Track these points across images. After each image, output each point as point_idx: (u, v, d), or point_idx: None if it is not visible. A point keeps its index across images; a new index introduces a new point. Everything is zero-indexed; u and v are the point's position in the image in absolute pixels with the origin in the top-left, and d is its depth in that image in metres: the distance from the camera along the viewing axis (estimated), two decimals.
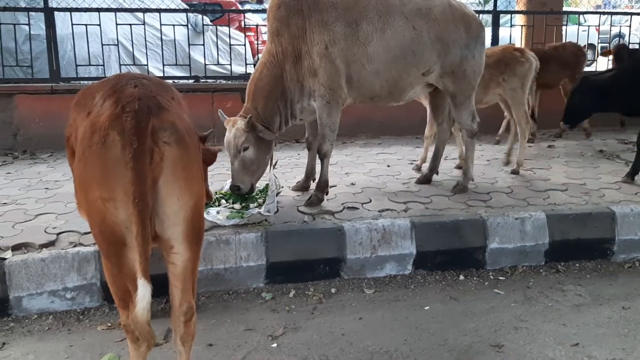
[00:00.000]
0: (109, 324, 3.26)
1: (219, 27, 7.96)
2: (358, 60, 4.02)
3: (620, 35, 10.79)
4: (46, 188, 4.70)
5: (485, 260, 3.94)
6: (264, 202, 4.05)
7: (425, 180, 4.80)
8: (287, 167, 5.39)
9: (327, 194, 4.31)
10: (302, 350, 2.98)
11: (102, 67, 6.49)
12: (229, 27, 7.48)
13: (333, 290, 3.65)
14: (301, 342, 3.05)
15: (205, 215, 3.84)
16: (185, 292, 2.36)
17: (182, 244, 2.30)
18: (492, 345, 3.00)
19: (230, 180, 4.20)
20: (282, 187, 4.47)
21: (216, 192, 4.20)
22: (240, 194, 4.03)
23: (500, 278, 3.84)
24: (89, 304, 3.44)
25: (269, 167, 4.05)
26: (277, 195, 4.19)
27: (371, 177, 5.02)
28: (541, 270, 3.93)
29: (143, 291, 2.10)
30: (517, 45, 8.56)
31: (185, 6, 8.61)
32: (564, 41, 7.65)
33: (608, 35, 12.56)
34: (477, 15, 4.43)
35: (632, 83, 4.80)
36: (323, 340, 3.08)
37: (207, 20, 8.50)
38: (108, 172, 2.15)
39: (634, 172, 4.85)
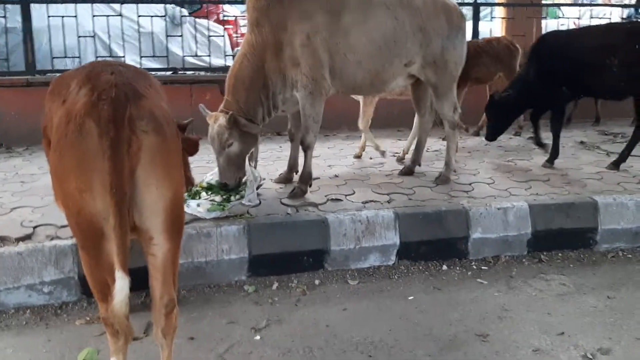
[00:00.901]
0: (87, 318, 3.19)
1: (197, 20, 7.85)
2: (340, 50, 3.98)
3: None
4: (22, 181, 4.60)
5: (468, 250, 3.93)
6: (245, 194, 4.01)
7: (408, 171, 4.78)
8: (269, 160, 5.34)
9: (310, 186, 4.27)
10: (286, 342, 2.94)
11: (79, 59, 6.36)
12: (207, 19, 7.37)
13: (317, 282, 3.62)
14: (285, 335, 3.01)
15: (185, 208, 3.78)
16: (166, 284, 2.31)
17: (161, 235, 2.25)
18: (477, 335, 2.99)
19: (212, 173, 4.17)
20: (264, 179, 4.42)
21: (196, 185, 4.13)
22: (228, 190, 3.97)
23: (483, 268, 3.83)
24: (67, 298, 3.37)
25: (247, 160, 3.99)
26: (258, 188, 4.14)
27: (354, 169, 5.00)
28: (524, 260, 3.93)
29: (121, 284, 2.05)
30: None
31: None
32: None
33: None
34: (457, 6, 4.41)
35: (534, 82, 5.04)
36: (307, 332, 3.04)
37: (185, 12, 8.40)
38: (84, 162, 2.08)
39: (620, 160, 4.94)
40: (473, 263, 3.88)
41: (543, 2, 8.98)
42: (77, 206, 2.13)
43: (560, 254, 3.99)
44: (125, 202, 2.07)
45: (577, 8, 9.74)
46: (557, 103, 5.09)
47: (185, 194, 3.95)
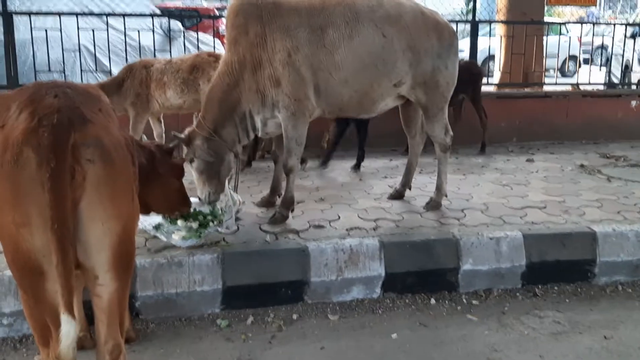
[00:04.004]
0: None
1: (187, 32, 7.69)
2: (325, 68, 3.78)
3: (603, 47, 10.71)
4: None
5: (458, 283, 3.69)
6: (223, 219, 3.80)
7: (398, 195, 4.56)
8: (254, 181, 5.13)
9: (292, 211, 4.06)
10: None
11: (63, 73, 6.20)
12: (197, 32, 7.21)
13: (295, 317, 3.39)
14: None
15: (159, 235, 3.60)
16: (112, 328, 2.10)
17: (107, 274, 2.06)
18: None
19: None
20: (244, 202, 4.20)
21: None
22: (208, 203, 3.87)
23: (474, 302, 3.59)
24: (28, 331, 3.15)
25: (226, 183, 3.80)
26: (237, 212, 3.94)
27: (342, 192, 4.78)
28: (517, 294, 3.69)
29: (67, 327, 1.87)
30: (497, 55, 8.44)
31: (157, 11, 8.35)
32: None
33: (590, 47, 12.49)
34: (449, 23, 4.20)
35: None
36: None
37: (180, 26, 8.25)
38: (21, 194, 1.90)
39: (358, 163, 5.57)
40: (463, 297, 3.65)
41: (544, 19, 8.79)
42: (13, 242, 1.96)
43: (556, 288, 3.74)
44: (69, 238, 1.89)
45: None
46: None
47: (165, 220, 3.77)
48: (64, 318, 1.86)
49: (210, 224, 3.80)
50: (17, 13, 6.03)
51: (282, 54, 3.70)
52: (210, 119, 3.82)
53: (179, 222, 3.78)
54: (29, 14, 6.05)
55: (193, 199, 4.05)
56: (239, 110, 3.84)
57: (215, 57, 5.20)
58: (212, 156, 3.82)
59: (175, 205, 3.35)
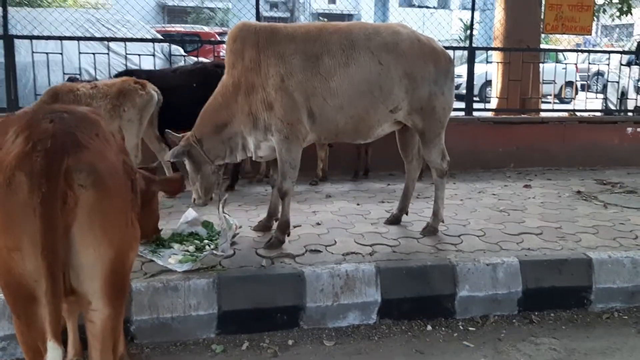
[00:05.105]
0: None
1: (192, 58, 7.76)
2: (319, 94, 3.82)
3: (599, 74, 10.82)
4: None
5: (454, 309, 3.68)
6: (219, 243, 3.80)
7: (395, 220, 4.56)
8: (252, 204, 5.14)
9: (289, 235, 4.06)
10: None
11: None
12: (198, 57, 7.26)
13: (290, 342, 3.37)
14: None
15: (155, 259, 3.60)
16: (104, 354, 2.10)
17: (100, 300, 2.06)
18: None
19: (183, 221, 4.07)
20: (240, 226, 4.21)
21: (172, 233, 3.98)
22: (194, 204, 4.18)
23: (470, 329, 3.58)
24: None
25: (220, 206, 3.79)
26: (233, 237, 3.95)
27: (339, 216, 4.78)
28: (514, 321, 3.67)
29: (53, 354, 1.86)
30: (494, 81, 8.50)
31: (158, 35, 8.43)
32: None
33: (587, 73, 12.60)
34: (445, 50, 4.24)
35: None
36: None
37: (181, 51, 8.34)
38: (13, 219, 1.91)
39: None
40: (460, 323, 3.63)
41: (540, 46, 8.88)
42: (5, 266, 1.96)
43: (552, 314, 3.73)
44: (59, 264, 1.89)
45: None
46: None
47: (161, 244, 3.79)
48: (51, 345, 1.87)
49: (207, 247, 3.82)
50: (18, 37, 6.09)
51: (275, 79, 3.76)
52: (199, 131, 4.02)
53: (176, 245, 3.81)
54: (31, 37, 6.11)
55: (190, 212, 4.12)
56: (228, 129, 3.99)
57: (142, 85, 5.18)
58: (191, 163, 4.05)
59: (151, 230, 3.42)
